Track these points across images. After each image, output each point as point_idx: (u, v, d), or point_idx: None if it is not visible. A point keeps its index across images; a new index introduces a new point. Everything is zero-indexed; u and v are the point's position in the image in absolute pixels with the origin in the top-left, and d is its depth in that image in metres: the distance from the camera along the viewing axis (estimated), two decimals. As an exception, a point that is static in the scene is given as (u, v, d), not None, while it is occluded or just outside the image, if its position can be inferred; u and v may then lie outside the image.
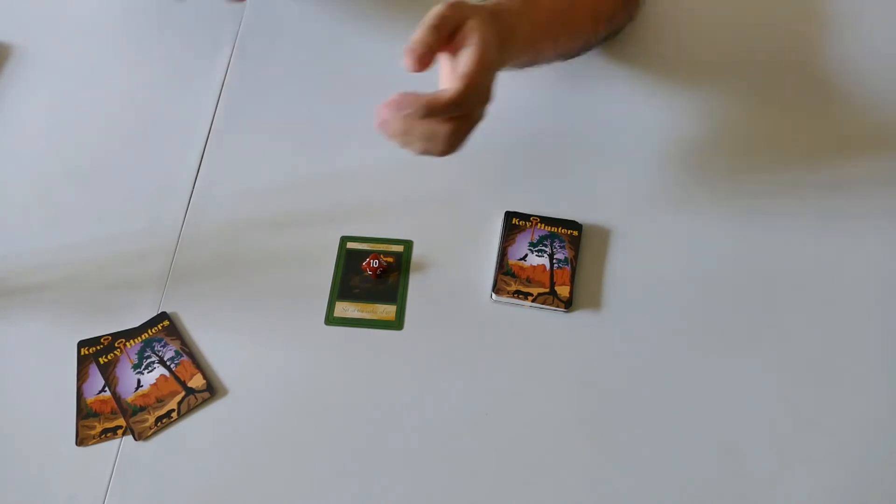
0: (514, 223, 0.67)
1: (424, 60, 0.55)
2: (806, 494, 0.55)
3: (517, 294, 0.63)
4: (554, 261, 0.65)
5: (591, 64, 0.80)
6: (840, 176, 0.71)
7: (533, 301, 0.63)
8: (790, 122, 0.75)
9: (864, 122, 0.75)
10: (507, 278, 0.64)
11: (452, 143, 0.57)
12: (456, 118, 0.56)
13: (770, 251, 0.67)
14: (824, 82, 0.78)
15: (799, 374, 0.60)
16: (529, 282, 0.64)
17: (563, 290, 0.64)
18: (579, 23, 0.71)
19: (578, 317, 0.63)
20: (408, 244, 0.67)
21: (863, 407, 0.59)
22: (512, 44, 0.61)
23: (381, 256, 0.65)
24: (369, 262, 0.65)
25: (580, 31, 0.72)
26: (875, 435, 0.58)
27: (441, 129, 0.56)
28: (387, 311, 0.63)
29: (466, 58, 0.56)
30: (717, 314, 0.63)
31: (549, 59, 0.71)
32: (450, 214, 0.69)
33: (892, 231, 0.68)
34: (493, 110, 0.77)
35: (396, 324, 0.63)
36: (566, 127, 0.75)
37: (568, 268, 0.65)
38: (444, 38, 0.57)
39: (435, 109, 0.55)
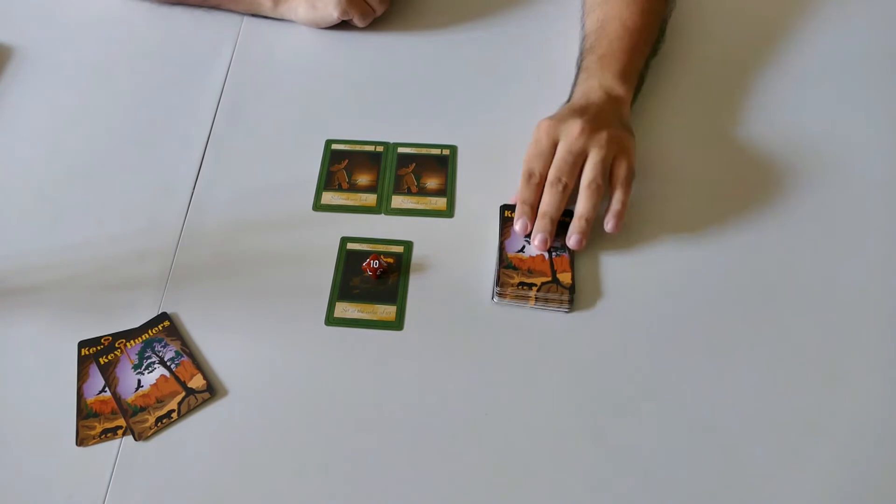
0: (506, 216, 0.67)
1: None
2: (806, 494, 0.55)
3: (521, 286, 0.63)
4: (551, 249, 0.65)
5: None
6: (844, 178, 0.72)
7: (537, 291, 0.63)
8: (795, 124, 0.76)
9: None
10: (510, 271, 0.64)
11: None
12: None
13: (771, 250, 0.67)
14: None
15: (800, 373, 0.60)
16: (531, 272, 0.64)
17: (564, 277, 0.64)
18: (653, 26, 0.77)
19: (579, 317, 0.63)
20: (408, 245, 0.67)
21: (863, 407, 0.59)
22: (610, 98, 0.70)
23: (382, 257, 0.65)
24: (369, 263, 0.65)
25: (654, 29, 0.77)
26: (875, 435, 0.58)
27: None
28: (387, 311, 0.63)
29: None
30: (718, 312, 0.63)
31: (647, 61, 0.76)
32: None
33: (893, 231, 0.68)
34: (489, 109, 0.78)
35: (396, 324, 0.63)
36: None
37: (566, 254, 0.65)
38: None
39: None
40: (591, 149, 0.66)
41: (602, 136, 0.66)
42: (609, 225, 0.65)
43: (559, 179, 0.65)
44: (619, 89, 0.71)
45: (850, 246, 0.67)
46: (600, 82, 0.71)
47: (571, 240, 0.65)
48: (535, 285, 0.63)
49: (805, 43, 0.82)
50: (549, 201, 0.65)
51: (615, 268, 0.66)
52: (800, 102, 0.77)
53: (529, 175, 0.67)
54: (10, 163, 0.74)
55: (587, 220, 0.65)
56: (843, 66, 0.80)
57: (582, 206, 0.65)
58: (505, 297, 0.63)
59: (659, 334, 0.62)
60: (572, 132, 0.66)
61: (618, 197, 0.65)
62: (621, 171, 0.66)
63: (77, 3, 0.87)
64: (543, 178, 0.66)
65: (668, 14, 0.80)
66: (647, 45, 0.76)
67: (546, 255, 0.65)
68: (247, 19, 0.85)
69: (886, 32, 0.84)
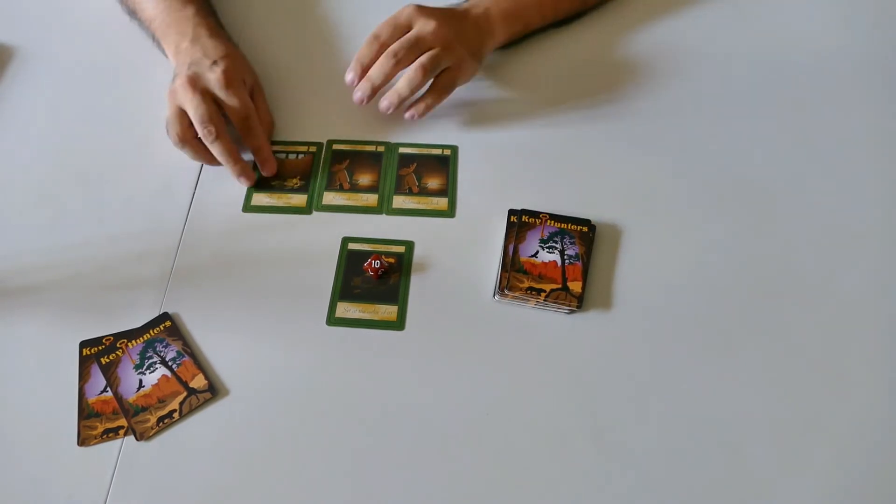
0: (523, 220, 0.67)
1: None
2: (806, 494, 0.55)
3: (529, 291, 0.63)
4: (565, 257, 0.65)
5: (602, 59, 0.80)
6: (845, 180, 0.72)
7: (546, 297, 0.63)
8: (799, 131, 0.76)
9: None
10: (520, 275, 0.64)
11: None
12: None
13: (777, 254, 0.67)
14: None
15: (800, 373, 0.60)
16: (542, 278, 0.64)
17: (575, 286, 0.64)
18: None
19: (580, 317, 0.63)
20: (409, 245, 0.67)
21: (863, 407, 0.59)
22: (485, 25, 0.75)
23: (383, 257, 0.66)
24: (371, 263, 0.65)
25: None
26: (875, 435, 0.58)
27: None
28: (388, 311, 0.64)
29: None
30: (719, 313, 0.63)
31: (542, 26, 0.81)
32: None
33: (892, 231, 0.68)
34: (485, 108, 0.77)
35: (398, 324, 0.63)
36: (569, 126, 0.75)
37: (579, 263, 0.65)
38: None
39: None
40: (436, 47, 0.71)
41: (453, 45, 0.72)
42: (408, 113, 0.73)
43: (396, 53, 0.70)
44: (498, 25, 0.76)
45: (850, 246, 0.67)
46: (488, 9, 0.76)
47: (383, 104, 0.72)
48: (544, 291, 0.63)
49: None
50: (378, 69, 0.71)
51: (627, 277, 0.65)
52: (788, 108, 0.78)
53: (375, 37, 0.72)
54: (10, 163, 0.74)
55: (399, 95, 0.71)
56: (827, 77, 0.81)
57: (401, 83, 0.71)
58: (506, 297, 0.63)
59: (659, 334, 0.62)
60: (429, 27, 0.71)
61: (428, 99, 0.73)
62: (446, 79, 0.73)
63: (77, 3, 0.87)
64: (385, 46, 0.71)
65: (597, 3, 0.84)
66: (550, 10, 0.80)
67: (559, 262, 0.65)
68: (245, 19, 0.85)
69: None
